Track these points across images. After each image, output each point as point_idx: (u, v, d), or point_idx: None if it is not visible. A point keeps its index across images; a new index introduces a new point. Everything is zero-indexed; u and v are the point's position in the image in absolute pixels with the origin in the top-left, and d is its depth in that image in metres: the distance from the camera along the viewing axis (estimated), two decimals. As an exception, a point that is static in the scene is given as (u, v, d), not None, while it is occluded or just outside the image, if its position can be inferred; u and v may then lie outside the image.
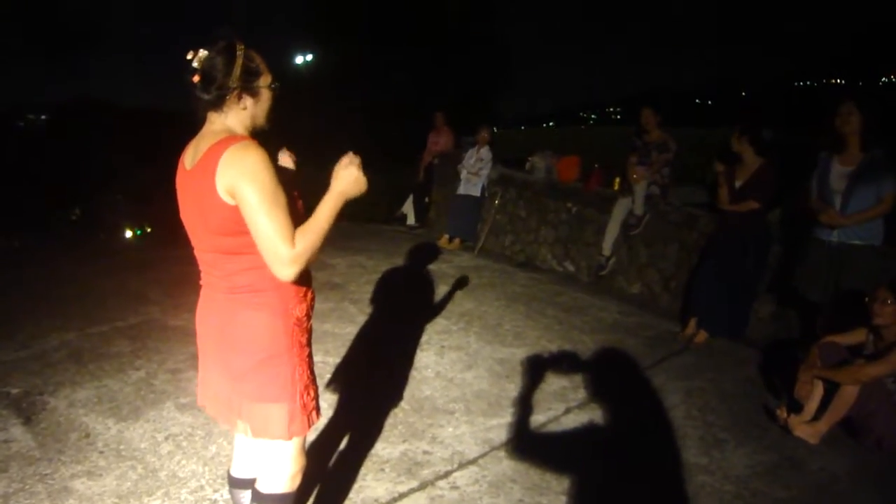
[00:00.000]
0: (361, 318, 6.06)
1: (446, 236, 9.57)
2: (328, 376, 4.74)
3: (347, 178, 2.16)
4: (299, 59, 23.58)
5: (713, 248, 6.08)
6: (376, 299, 6.65)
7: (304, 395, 2.25)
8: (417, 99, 19.66)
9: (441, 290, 7.02)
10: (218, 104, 2.13)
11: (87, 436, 3.90)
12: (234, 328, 2.18)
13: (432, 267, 8.05)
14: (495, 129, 12.28)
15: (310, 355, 2.32)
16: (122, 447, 3.79)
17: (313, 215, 2.10)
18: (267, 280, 2.10)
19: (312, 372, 2.33)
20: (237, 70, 2.11)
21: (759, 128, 5.91)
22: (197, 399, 2.49)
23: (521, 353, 5.44)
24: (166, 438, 3.90)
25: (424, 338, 5.64)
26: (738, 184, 5.77)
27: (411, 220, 11.32)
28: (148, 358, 5.06)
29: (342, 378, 4.74)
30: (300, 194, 2.31)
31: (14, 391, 4.47)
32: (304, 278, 2.22)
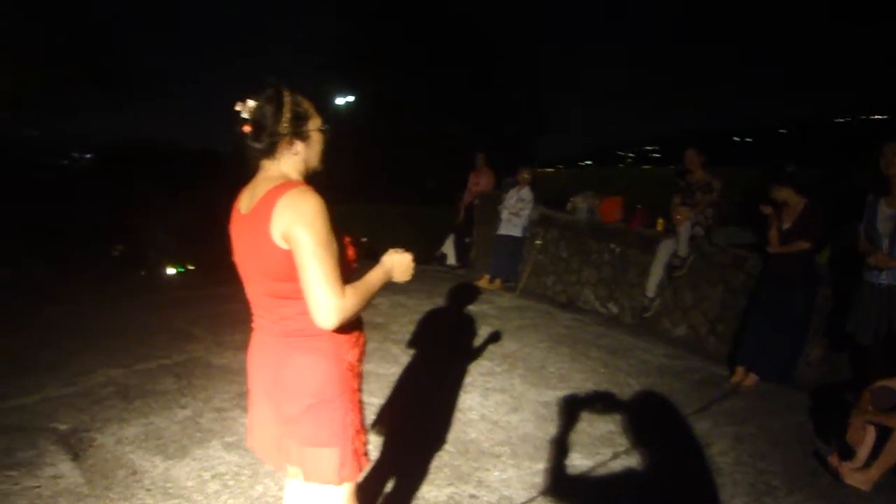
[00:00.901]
0: (404, 359, 6.05)
1: (487, 276, 9.56)
2: (373, 417, 4.72)
3: (399, 261, 2.29)
4: (340, 101, 23.95)
5: (762, 290, 6.00)
6: (418, 339, 6.63)
7: (355, 440, 2.24)
8: (458, 139, 19.81)
9: (483, 331, 6.99)
10: (270, 151, 2.16)
11: (135, 473, 3.92)
12: (287, 372, 2.19)
13: (474, 307, 8.03)
14: (537, 169, 12.27)
15: (360, 401, 2.32)
16: (168, 485, 3.79)
17: (363, 279, 2.15)
18: None
19: (363, 416, 2.33)
20: (286, 116, 2.14)
21: (787, 169, 5.85)
22: (246, 440, 2.49)
23: (565, 395, 5.38)
24: (213, 477, 3.90)
25: (468, 379, 5.61)
26: (785, 226, 5.71)
27: (451, 261, 11.33)
28: (193, 396, 5.09)
29: (386, 419, 4.72)
30: (353, 241, 2.33)
31: (62, 427, 4.51)
32: (356, 324, 2.25)
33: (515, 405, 5.14)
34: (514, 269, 9.55)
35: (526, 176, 9.50)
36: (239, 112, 2.13)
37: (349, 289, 2.04)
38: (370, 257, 2.38)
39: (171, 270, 11.30)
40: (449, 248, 11.50)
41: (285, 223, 2.01)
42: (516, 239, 9.44)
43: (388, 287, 7.03)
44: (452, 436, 4.56)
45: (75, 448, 4.21)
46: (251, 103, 2.13)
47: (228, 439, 4.37)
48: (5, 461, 4.02)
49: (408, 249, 2.33)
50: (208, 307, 7.53)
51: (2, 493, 3.66)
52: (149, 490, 3.74)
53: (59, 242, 12.12)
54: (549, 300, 9.04)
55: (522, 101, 23.73)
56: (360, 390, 2.32)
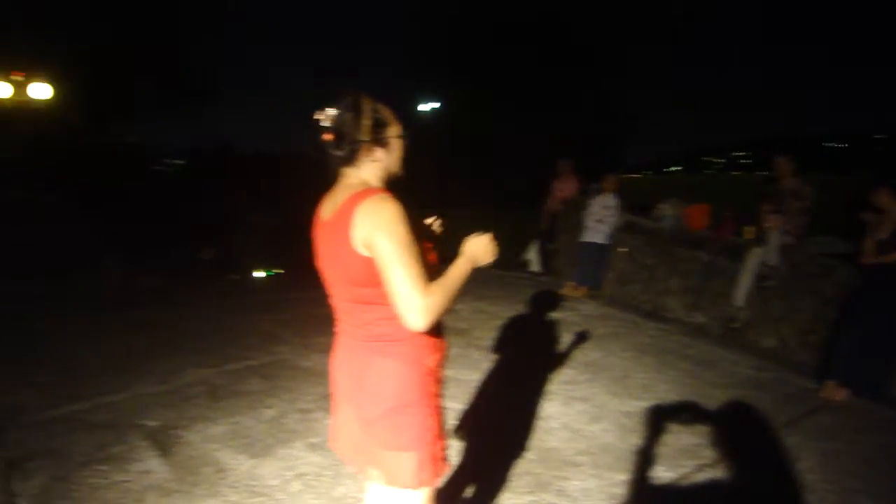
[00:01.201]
0: (486, 365, 6.08)
1: (571, 284, 9.52)
2: (454, 422, 4.76)
3: (478, 244, 2.27)
4: (425, 107, 24.11)
5: (856, 301, 5.81)
6: (501, 346, 6.66)
7: (434, 445, 2.28)
8: (543, 144, 19.72)
9: (566, 339, 6.97)
10: (351, 159, 2.22)
11: (221, 470, 4.07)
12: (368, 376, 2.24)
13: (557, 315, 8.01)
14: (623, 175, 12.16)
15: (440, 405, 2.35)
16: (253, 483, 3.92)
17: (445, 274, 2.17)
18: (402, 330, 2.14)
19: (442, 422, 2.35)
20: (366, 123, 2.19)
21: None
22: (329, 442, 2.55)
23: (649, 406, 5.32)
24: (296, 477, 4.01)
25: (550, 387, 5.61)
26: (881, 236, 5.53)
27: (535, 267, 11.31)
28: (279, 397, 5.24)
29: (468, 425, 4.76)
30: (435, 246, 2.37)
31: (152, 424, 4.71)
32: (437, 329, 2.28)
33: (597, 414, 5.12)
34: (598, 277, 9.48)
35: (611, 183, 9.42)
36: (319, 121, 2.20)
37: (434, 286, 2.07)
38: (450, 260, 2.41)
39: (260, 274, 11.59)
40: (532, 255, 11.48)
41: (365, 231, 2.06)
42: (601, 246, 9.37)
43: (471, 293, 7.14)
44: (533, 443, 4.57)
45: (164, 444, 4.40)
46: (331, 112, 2.19)
47: (312, 440, 4.48)
48: (97, 456, 4.23)
49: (488, 232, 2.33)
50: (295, 310, 7.72)
51: (93, 487, 3.85)
52: (233, 487, 3.87)
53: (157, 246, 12.61)
54: (633, 309, 8.94)
55: (610, 105, 23.46)
56: (440, 395, 2.35)
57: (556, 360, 6.30)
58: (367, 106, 2.21)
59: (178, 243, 12.78)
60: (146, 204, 17.27)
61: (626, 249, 9.40)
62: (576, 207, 10.38)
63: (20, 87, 22.88)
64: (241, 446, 4.40)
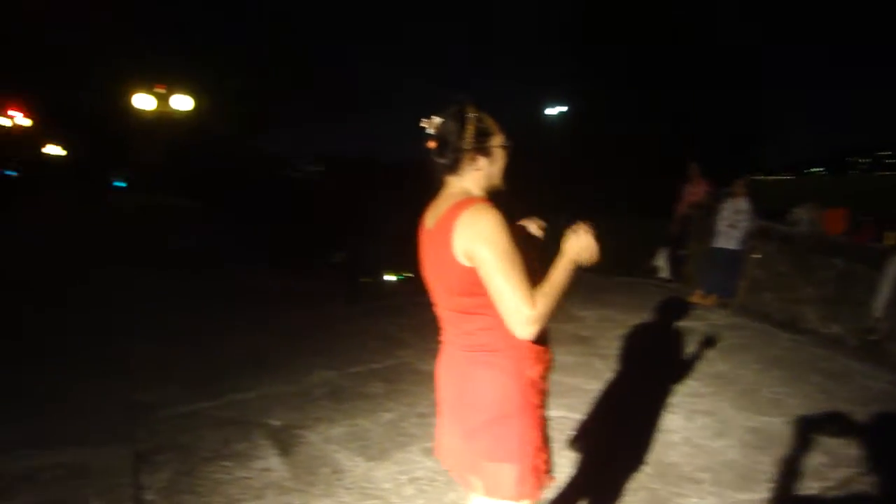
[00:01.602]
0: (608, 374, 6.01)
1: (701, 292, 9.26)
2: (570, 432, 4.73)
3: (579, 244, 2.21)
4: (552, 111, 23.97)
5: None
6: (624, 355, 6.56)
7: (535, 457, 2.25)
8: (675, 147, 19.25)
9: (693, 349, 6.79)
10: (454, 167, 2.24)
11: (337, 471, 4.19)
12: (469, 385, 2.25)
13: (685, 324, 7.81)
14: (759, 178, 11.72)
15: (543, 417, 2.32)
16: (367, 485, 4.02)
17: (547, 278, 2.13)
18: (502, 340, 2.15)
19: (545, 434, 2.32)
20: (469, 132, 2.21)
21: None
22: (434, 449, 2.59)
23: (777, 422, 5.11)
24: (410, 481, 4.08)
25: (673, 399, 5.48)
26: None
27: (664, 274, 11.07)
28: (399, 400, 5.35)
29: (584, 435, 4.71)
30: (538, 255, 2.36)
31: (276, 423, 4.91)
32: (540, 339, 2.24)
33: (721, 429, 4.96)
34: (729, 285, 9.17)
35: (741, 186, 9.10)
36: (425, 129, 2.24)
37: (538, 294, 2.06)
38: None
39: (390, 277, 11.82)
40: (662, 261, 11.24)
41: (466, 241, 2.07)
42: (733, 252, 9.06)
43: (597, 300, 7.12)
44: (652, 457, 4.48)
45: (285, 443, 4.57)
46: (436, 120, 2.23)
47: (428, 445, 4.54)
48: (222, 452, 4.44)
49: (591, 223, 2.27)
50: (421, 314, 7.83)
51: (216, 482, 4.05)
52: (348, 489, 3.98)
53: (292, 249, 13.10)
54: (765, 318, 8.59)
55: (745, 105, 22.59)
56: (542, 407, 2.31)
57: (681, 371, 6.14)
58: (471, 115, 2.23)
59: (312, 246, 13.22)
60: (282, 208, 17.96)
61: (758, 256, 9.06)
62: (707, 212, 10.08)
63: (163, 99, 24.34)
64: (359, 448, 4.51)
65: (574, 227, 2.25)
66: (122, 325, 8.07)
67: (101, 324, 8.20)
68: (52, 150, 48.96)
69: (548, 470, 2.33)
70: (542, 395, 2.33)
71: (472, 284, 2.12)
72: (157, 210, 23.52)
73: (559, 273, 2.16)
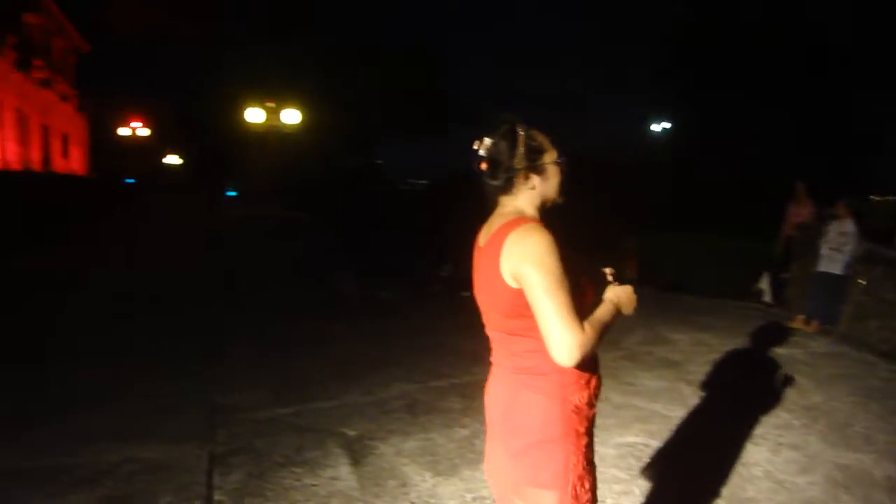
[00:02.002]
0: (694, 401, 5.81)
1: (802, 317, 8.87)
2: (647, 460, 4.61)
3: (621, 294, 2.22)
4: (657, 127, 23.58)
5: None
6: (713, 381, 6.35)
7: (578, 486, 2.17)
8: (780, 165, 18.56)
9: (787, 378, 6.49)
10: (507, 187, 2.20)
11: (404, 485, 4.19)
12: (514, 407, 2.21)
13: (781, 351, 7.49)
14: (872, 197, 11.21)
15: (588, 445, 2.25)
16: (432, 501, 4.00)
17: (594, 314, 2.09)
18: (548, 364, 2.08)
19: (589, 462, 2.25)
20: (521, 151, 2.17)
21: None
22: (483, 469, 2.53)
23: (867, 460, 4.81)
24: (474, 500, 4.04)
25: (759, 430, 5.24)
26: None
27: (767, 298, 10.67)
28: (475, 417, 5.31)
29: (661, 464, 4.57)
30: (590, 282, 2.29)
31: (351, 433, 4.96)
32: (588, 365, 2.18)
33: (807, 465, 4.70)
34: (832, 311, 8.73)
35: (845, 208, 8.66)
36: (476, 150, 2.21)
37: (586, 324, 2.01)
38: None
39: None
40: (765, 284, 10.84)
41: (514, 262, 2.03)
42: (837, 277, 8.62)
43: (693, 323, 6.96)
44: (728, 491, 4.29)
45: (357, 454, 4.62)
46: (487, 141, 2.20)
47: (499, 465, 4.49)
48: (294, 458, 4.53)
49: (622, 276, 2.28)
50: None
51: (284, 487, 4.12)
52: (413, 503, 3.96)
53: (398, 262, 13.31)
54: (869, 348, 8.12)
55: (855, 119, 21.56)
56: (588, 434, 2.24)
57: (771, 400, 5.88)
58: (521, 133, 2.19)
59: (418, 260, 13.39)
60: (389, 221, 18.23)
61: (863, 282, 8.60)
62: (811, 234, 9.65)
63: (273, 113, 25.17)
64: (429, 463, 4.50)
65: (614, 278, 2.27)
66: (217, 329, 8.36)
67: (196, 326, 8.52)
68: (171, 159, 51.26)
69: (592, 499, 2.25)
70: (588, 422, 2.26)
71: (519, 306, 2.07)
72: (265, 219, 24.22)
73: (604, 313, 2.13)
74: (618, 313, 2.17)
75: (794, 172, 11.48)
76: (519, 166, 2.17)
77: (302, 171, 32.04)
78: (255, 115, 25.50)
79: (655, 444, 4.89)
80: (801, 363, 7.05)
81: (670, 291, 11.84)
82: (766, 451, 4.88)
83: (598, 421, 4.94)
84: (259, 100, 25.53)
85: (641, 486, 4.21)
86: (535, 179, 2.21)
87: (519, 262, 2.02)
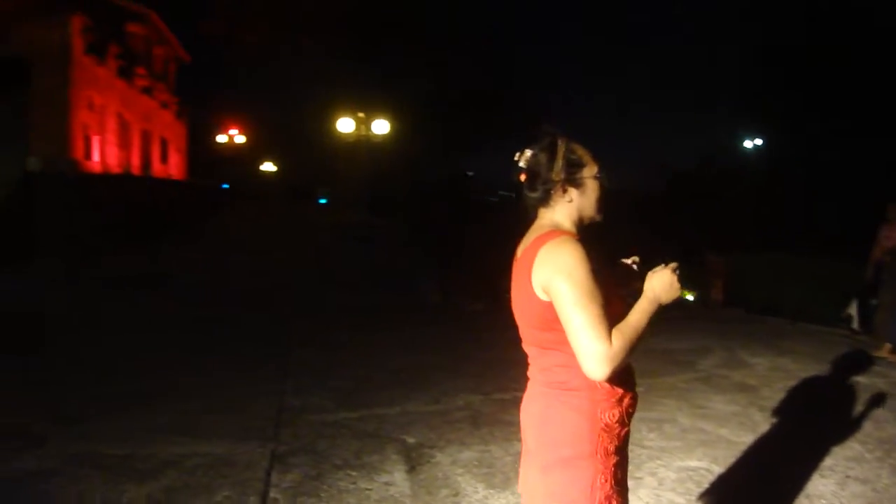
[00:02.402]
0: (764, 427, 5.66)
1: (888, 346, 8.51)
2: (706, 486, 4.51)
3: (660, 282, 2.11)
4: (748, 144, 23.02)
5: None
6: (788, 408, 6.17)
7: None
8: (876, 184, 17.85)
9: (865, 408, 6.24)
10: (545, 200, 2.20)
11: (456, 495, 4.21)
12: (544, 422, 2.20)
13: (863, 380, 7.22)
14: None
15: (618, 464, 2.19)
16: (479, 513, 4.02)
17: (628, 318, 2.05)
18: (578, 379, 2.07)
19: (618, 482, 2.19)
20: (559, 164, 2.16)
21: None
22: (518, 485, 2.53)
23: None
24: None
25: (828, 461, 5.06)
26: None
27: (855, 324, 10.27)
28: (535, 432, 5.29)
29: (720, 491, 4.47)
30: (624, 295, 2.27)
31: (410, 440, 5.04)
32: (621, 381, 2.15)
33: (874, 499, 4.51)
34: (922, 341, 8.36)
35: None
36: (517, 161, 2.22)
37: (614, 332, 1.97)
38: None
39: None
40: (854, 310, 10.44)
41: (544, 275, 2.03)
42: (928, 306, 8.26)
43: (774, 347, 6.79)
44: (789, 523, 4.17)
45: (414, 461, 4.68)
46: (528, 153, 2.21)
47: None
48: (352, 462, 4.63)
49: (675, 264, 2.15)
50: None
51: (339, 489, 4.22)
52: (461, 514, 3.99)
53: (484, 272, 13.39)
54: (958, 382, 7.75)
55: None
56: (618, 454, 2.18)
57: (846, 431, 5.66)
58: (561, 146, 2.19)
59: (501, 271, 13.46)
60: (475, 231, 18.31)
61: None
62: (904, 259, 9.26)
63: (363, 123, 25.65)
64: (483, 475, 4.51)
65: (655, 267, 2.16)
66: (294, 332, 8.58)
67: (275, 329, 8.75)
68: (266, 167, 52.63)
69: None
70: (619, 441, 2.20)
71: (550, 319, 2.06)
72: (352, 227, 24.62)
73: (638, 313, 2.06)
74: (657, 306, 2.09)
75: (889, 195, 11.01)
76: (557, 179, 2.17)
77: (390, 181, 32.50)
78: (346, 125, 26.01)
79: (718, 469, 4.78)
80: (881, 393, 6.77)
81: (757, 313, 11.57)
82: (833, 484, 4.71)
83: (661, 443, 4.94)
84: (350, 110, 26.05)
85: (697, 514, 4.13)
86: (572, 193, 2.20)
87: (549, 274, 2.02)
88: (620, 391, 2.17)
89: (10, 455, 4.63)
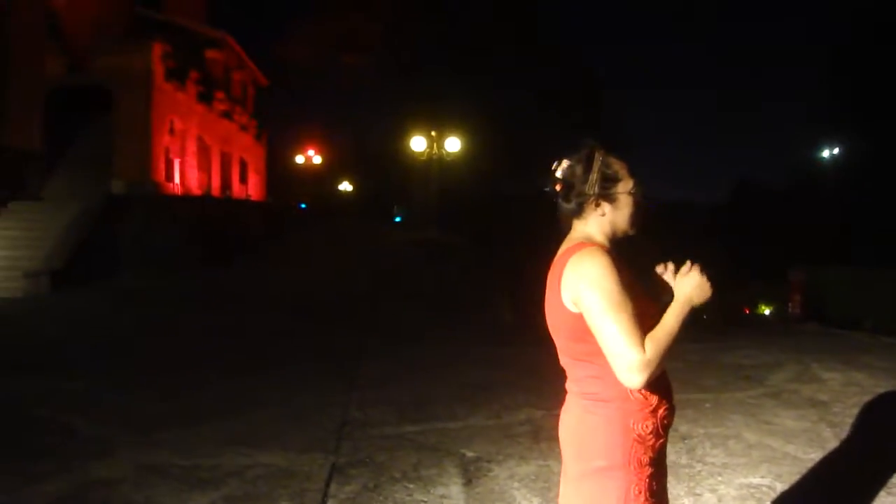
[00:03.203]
0: (832, 444, 5.51)
1: (971, 362, 8.20)
2: (767, 503, 4.41)
3: (690, 283, 2.11)
4: (825, 153, 22.36)
5: None
6: (859, 424, 5.97)
7: None
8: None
9: (941, 427, 6.03)
10: (578, 211, 2.22)
11: (504, 509, 4.22)
12: (578, 433, 2.21)
13: (940, 397, 6.95)
14: None
15: (652, 476, 2.16)
16: (533, 526, 4.03)
17: (660, 323, 2.04)
18: (610, 390, 2.08)
19: (654, 494, 2.16)
20: (594, 177, 2.17)
21: None
22: (559, 498, 2.52)
23: None
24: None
25: (894, 480, 4.90)
26: None
27: (938, 339, 9.92)
28: (594, 447, 5.26)
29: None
30: (660, 308, 2.25)
31: (469, 454, 5.07)
32: (656, 391, 2.14)
33: (943, 519, 4.36)
34: None
35: None
36: (554, 171, 2.24)
37: (648, 340, 1.98)
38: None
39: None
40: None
41: (572, 285, 2.06)
42: None
43: (850, 362, 6.61)
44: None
45: (472, 475, 4.70)
46: (565, 163, 2.22)
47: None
48: (410, 474, 4.69)
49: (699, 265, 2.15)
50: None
51: (395, 501, 4.29)
52: (513, 527, 4.01)
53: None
54: None
55: None
56: (653, 465, 2.16)
57: (919, 449, 5.47)
58: (598, 159, 2.20)
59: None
60: (548, 248, 18.27)
61: None
62: None
63: (435, 141, 25.91)
64: (540, 490, 4.51)
65: (683, 269, 2.17)
66: (360, 348, 8.72)
67: (343, 345, 8.91)
68: (343, 186, 53.51)
69: None
70: (654, 452, 2.18)
71: (580, 331, 2.08)
72: (425, 245, 24.78)
73: (671, 317, 2.06)
74: (689, 308, 2.09)
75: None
76: (590, 192, 2.18)
77: (463, 198, 32.65)
78: (418, 143, 26.29)
79: (781, 487, 4.68)
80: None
81: (838, 328, 11.24)
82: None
83: (725, 459, 4.90)
84: (423, 128, 26.35)
85: (754, 529, 4.06)
86: (605, 207, 2.21)
87: (577, 285, 2.05)
88: (655, 402, 2.16)
89: (82, 463, 4.87)
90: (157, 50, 21.93)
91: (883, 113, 20.24)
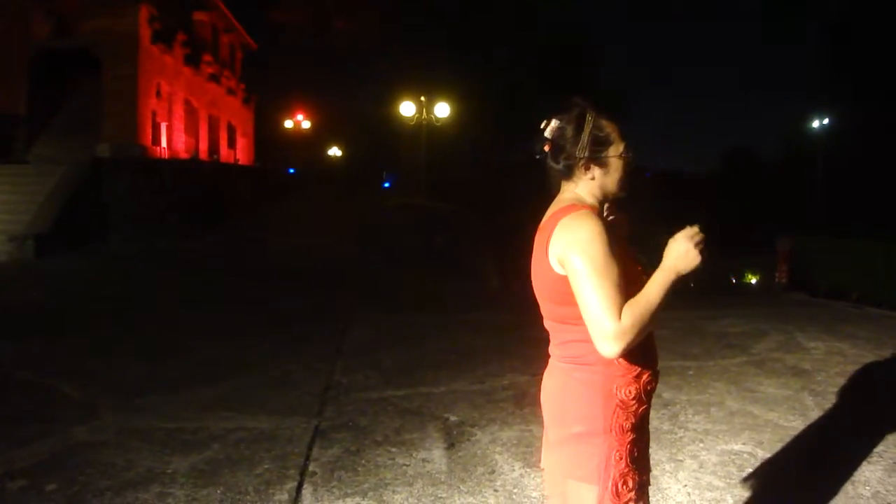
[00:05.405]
0: (815, 413, 5.54)
1: (955, 332, 8.25)
2: (749, 470, 4.43)
3: (678, 251, 2.00)
4: (816, 123, 22.34)
5: None
6: (841, 392, 6.02)
7: (619, 483, 2.10)
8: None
9: (923, 395, 6.07)
10: (567, 173, 2.17)
11: (492, 472, 4.25)
12: (559, 396, 2.20)
13: (923, 366, 7.00)
14: None
15: (633, 441, 2.14)
16: (514, 491, 4.03)
17: (642, 291, 1.98)
18: (593, 354, 2.02)
19: (635, 461, 2.15)
20: (584, 139, 2.11)
21: None
22: (540, 461, 2.48)
23: None
24: (555, 494, 4.04)
25: (879, 448, 4.91)
26: None
27: (923, 309, 9.99)
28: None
29: (762, 475, 4.39)
30: (637, 261, 2.20)
31: (452, 419, 5.09)
32: (639, 357, 2.11)
33: (924, 487, 4.40)
34: None
35: None
36: (542, 130, 2.17)
37: (626, 307, 1.93)
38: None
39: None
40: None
41: (560, 248, 2.02)
42: None
43: (834, 332, 6.65)
44: (832, 510, 4.08)
45: (454, 439, 4.73)
46: (554, 123, 2.15)
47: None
48: (393, 438, 4.72)
49: (699, 228, 2.03)
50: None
51: (376, 465, 4.30)
52: (496, 491, 4.02)
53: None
54: None
55: None
56: (635, 431, 2.14)
57: (900, 417, 5.51)
58: (589, 121, 2.14)
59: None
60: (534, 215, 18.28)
61: None
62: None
63: (425, 106, 25.75)
64: (521, 454, 4.52)
65: (675, 233, 2.06)
66: (348, 313, 8.72)
67: (330, 309, 8.91)
68: (333, 151, 53.24)
69: (636, 499, 2.16)
70: (636, 418, 2.16)
71: (565, 293, 2.05)
72: (414, 210, 24.72)
73: (653, 286, 1.99)
74: (674, 276, 1.99)
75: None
76: (580, 155, 2.13)
77: (454, 165, 32.54)
78: (408, 108, 26.09)
79: (762, 454, 4.70)
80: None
81: (824, 297, 11.30)
82: (881, 471, 4.59)
83: (707, 426, 4.92)
84: (412, 93, 26.15)
85: (736, 496, 4.07)
86: (595, 170, 2.16)
87: (565, 248, 2.01)
88: (638, 368, 2.14)
89: (65, 426, 4.88)
90: (144, 12, 21.63)
91: (873, 87, 20.21)
